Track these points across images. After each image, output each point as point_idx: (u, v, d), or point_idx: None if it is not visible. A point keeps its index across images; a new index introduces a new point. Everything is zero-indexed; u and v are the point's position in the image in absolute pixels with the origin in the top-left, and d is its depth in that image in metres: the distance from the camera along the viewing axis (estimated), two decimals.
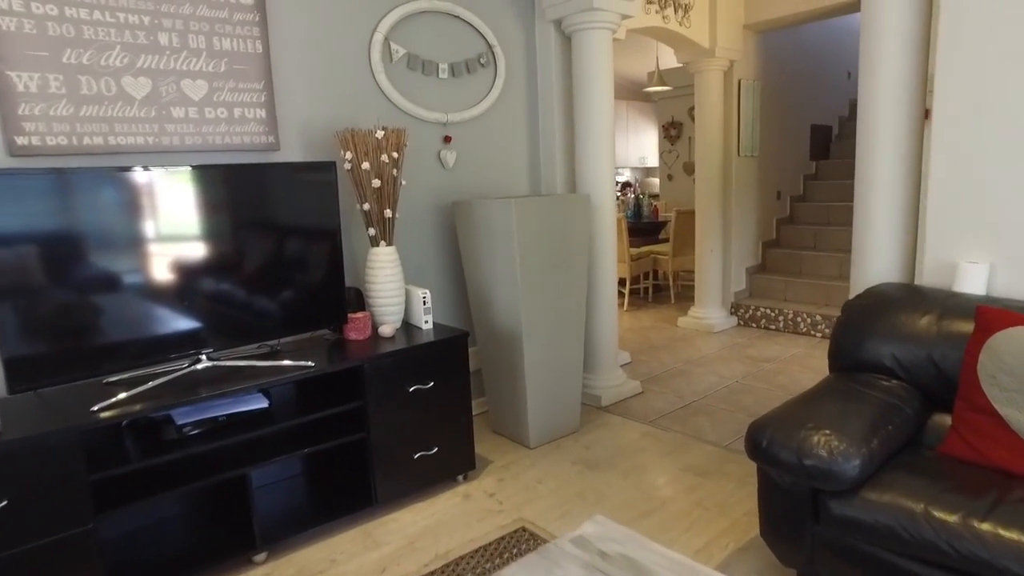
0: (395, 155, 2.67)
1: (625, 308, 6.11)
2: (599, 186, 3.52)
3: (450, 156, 3.29)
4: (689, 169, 7.75)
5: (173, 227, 2.11)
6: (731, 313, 5.41)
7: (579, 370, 3.25)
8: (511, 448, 3.13)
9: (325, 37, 2.81)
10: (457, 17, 3.27)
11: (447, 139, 3.28)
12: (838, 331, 2.32)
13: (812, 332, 4.95)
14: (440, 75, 3.23)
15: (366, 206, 2.66)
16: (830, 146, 6.35)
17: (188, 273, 2.15)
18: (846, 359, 2.26)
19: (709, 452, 3.01)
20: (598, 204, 3.50)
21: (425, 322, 2.78)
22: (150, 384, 2.07)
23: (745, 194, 5.37)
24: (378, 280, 2.70)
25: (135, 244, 2.03)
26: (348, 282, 2.91)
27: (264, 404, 2.29)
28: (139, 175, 2.03)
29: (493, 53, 3.43)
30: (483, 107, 3.40)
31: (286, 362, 2.30)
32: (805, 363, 4.28)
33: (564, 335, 3.14)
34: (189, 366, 2.21)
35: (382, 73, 2.98)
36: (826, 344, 4.68)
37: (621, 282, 6.44)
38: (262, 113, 2.58)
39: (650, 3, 4.29)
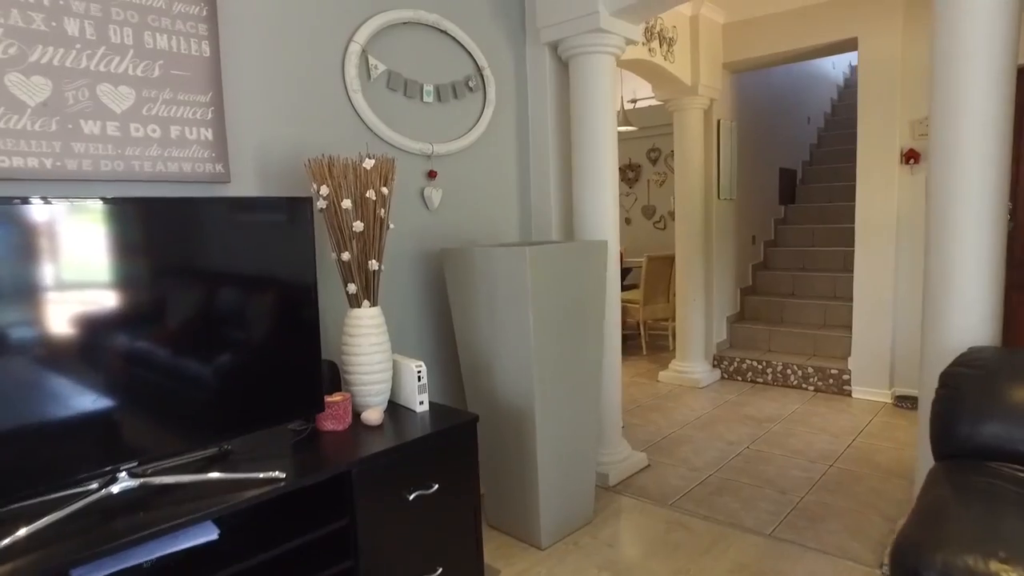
0: (384, 191, 2.10)
1: None
2: (603, 232, 3.06)
3: (435, 195, 2.74)
4: (648, 213, 7.50)
5: (76, 285, 1.45)
6: (714, 366, 5.04)
7: (594, 447, 2.72)
8: (518, 550, 2.53)
9: (292, 41, 2.24)
10: (444, 32, 2.78)
11: (432, 174, 2.74)
12: (944, 410, 1.90)
13: (804, 385, 4.63)
14: (424, 98, 2.71)
15: (345, 256, 2.06)
16: (795, 190, 6.23)
17: (102, 353, 1.48)
18: (960, 444, 1.84)
19: (755, 545, 2.52)
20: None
21: (420, 403, 2.18)
22: (36, 525, 1.37)
23: (724, 239, 5.08)
24: (361, 351, 2.09)
25: (20, 311, 1.36)
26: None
27: (213, 535, 1.62)
28: (27, 211, 1.37)
29: (482, 76, 2.95)
30: (471, 138, 2.89)
31: (243, 475, 1.64)
32: (810, 423, 3.91)
33: (579, 406, 2.61)
34: (101, 488, 1.52)
35: (359, 92, 2.43)
36: (823, 399, 4.37)
37: None
38: (207, 134, 1.96)
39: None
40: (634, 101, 7.71)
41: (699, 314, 4.87)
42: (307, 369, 1.89)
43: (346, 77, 2.40)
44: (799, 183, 6.32)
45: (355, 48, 2.41)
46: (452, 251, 2.53)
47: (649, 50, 4.07)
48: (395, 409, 2.21)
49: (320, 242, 2.24)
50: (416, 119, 2.69)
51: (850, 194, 5.89)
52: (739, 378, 4.95)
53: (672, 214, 7.22)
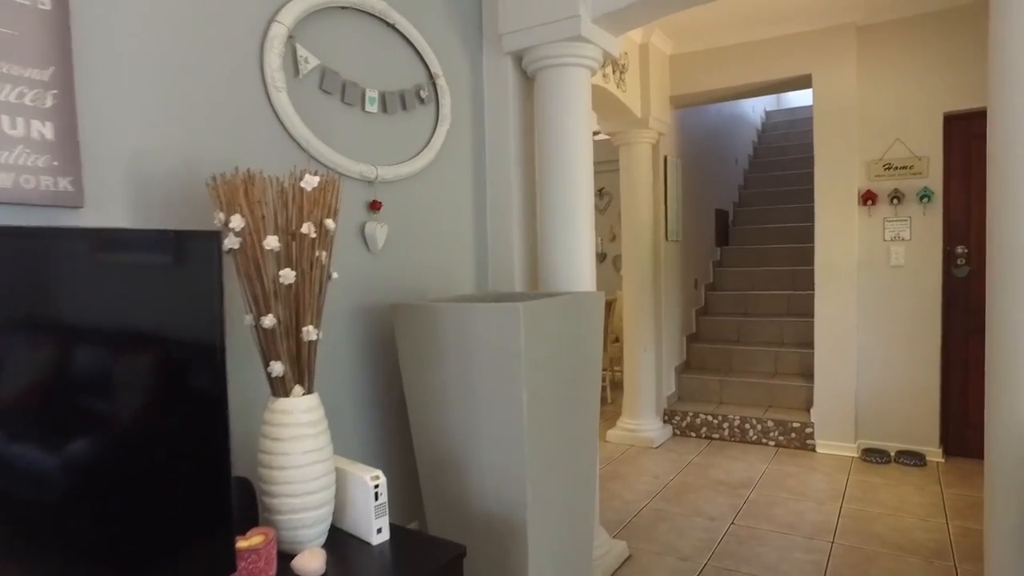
0: (329, 224, 1.45)
1: None
2: (578, 281, 2.53)
3: (379, 232, 2.10)
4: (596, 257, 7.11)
5: None
6: (665, 421, 4.61)
7: (589, 551, 2.12)
8: None
9: (189, 3, 1.56)
10: (392, 27, 2.18)
11: (375, 205, 2.10)
12: None
13: (764, 440, 4.28)
14: (367, 106, 2.09)
15: (267, 320, 1.38)
16: (728, 232, 6.06)
17: None
18: None
19: None
20: None
21: (378, 530, 1.50)
22: None
23: (672, 283, 4.73)
24: (291, 461, 1.40)
25: None
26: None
27: None
28: None
29: (436, 86, 2.37)
30: (423, 161, 2.29)
31: None
32: (787, 486, 3.53)
33: (578, 503, 2.02)
34: None
35: (282, 90, 1.77)
36: (788, 456, 4.03)
37: None
38: (45, 130, 1.25)
39: None
40: None
41: (649, 366, 4.44)
42: (207, 495, 1.18)
43: (265, 68, 1.74)
44: (731, 224, 6.17)
45: (279, 31, 1.76)
46: (409, 308, 1.89)
47: (603, 75, 3.67)
48: (340, 541, 1.51)
49: (229, 298, 1.54)
50: (356, 132, 2.06)
51: (786, 236, 5.78)
52: (692, 434, 4.54)
53: (599, 255, 6.89)
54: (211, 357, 1.19)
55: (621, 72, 3.89)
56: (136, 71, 1.46)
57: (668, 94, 4.48)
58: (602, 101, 3.90)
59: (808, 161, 6.41)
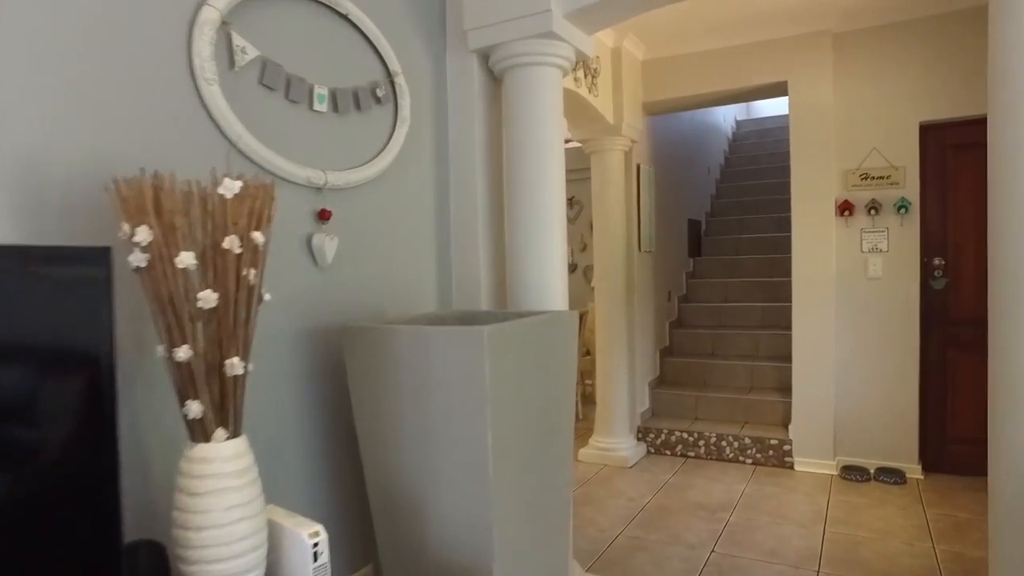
0: (257, 238, 1.23)
1: None
2: (549, 298, 2.35)
3: (329, 245, 1.88)
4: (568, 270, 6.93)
5: None
6: (639, 439, 4.44)
7: None
8: None
9: None
10: (344, 18, 1.98)
11: (324, 215, 1.89)
12: None
13: (741, 458, 4.14)
14: (315, 105, 1.87)
15: (182, 352, 1.16)
16: (701, 242, 5.96)
17: None
18: None
19: None
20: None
21: None
22: None
23: (645, 295, 4.58)
24: (212, 520, 1.17)
25: None
26: (130, 529, 1.30)
27: None
28: None
29: (394, 85, 2.17)
30: (379, 165, 2.08)
31: None
32: (767, 508, 3.38)
33: (549, 547, 1.82)
34: None
35: (214, 83, 1.55)
36: (766, 474, 3.89)
37: None
38: None
39: None
40: None
41: (622, 381, 4.28)
42: (88, 571, 0.95)
43: (194, 57, 1.51)
44: (704, 235, 6.07)
45: (210, 15, 1.54)
46: (360, 331, 1.68)
47: (575, 79, 3.51)
48: None
49: (133, 323, 1.31)
50: (303, 133, 1.84)
51: (759, 246, 5.70)
52: (667, 452, 4.38)
53: (570, 266, 6.72)
54: (95, 396, 0.96)
55: (593, 76, 3.74)
56: (31, 54, 1.22)
57: (641, 100, 4.35)
58: (573, 106, 3.74)
59: (780, 171, 6.37)
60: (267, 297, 1.31)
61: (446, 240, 2.45)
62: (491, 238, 2.47)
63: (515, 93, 2.34)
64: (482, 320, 2.00)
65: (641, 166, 4.41)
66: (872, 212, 3.71)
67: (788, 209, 5.93)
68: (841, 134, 3.80)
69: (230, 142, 1.62)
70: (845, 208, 3.77)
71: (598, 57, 3.83)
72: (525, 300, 2.34)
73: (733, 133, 7.41)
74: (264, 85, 1.72)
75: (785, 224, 5.70)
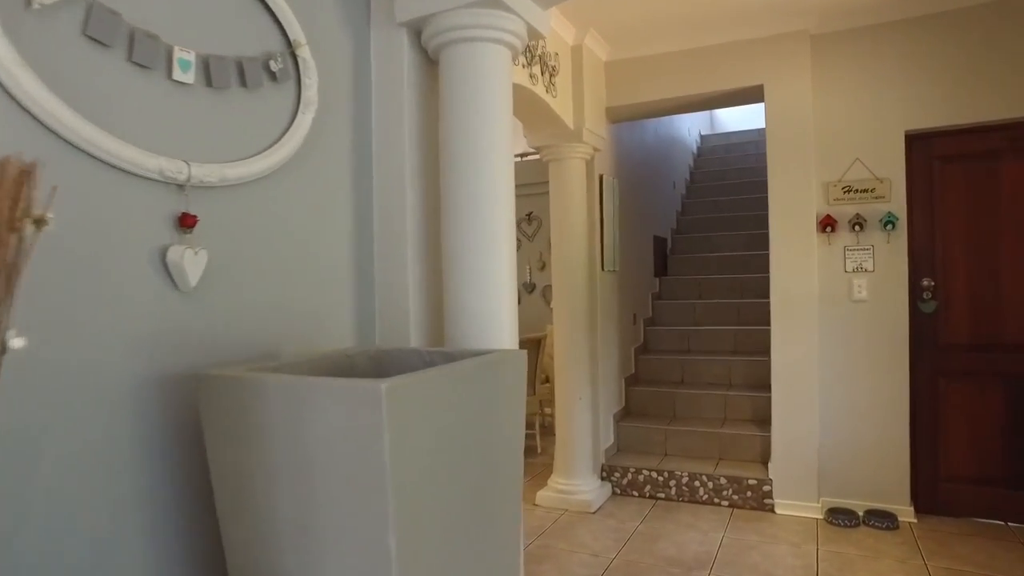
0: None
1: None
2: (497, 331, 1.90)
3: (192, 261, 1.40)
4: (526, 290, 6.49)
5: None
6: (603, 478, 4.00)
7: None
8: None
9: None
10: None
11: (187, 221, 1.40)
12: None
13: (717, 500, 3.73)
14: (176, 73, 1.40)
15: None
16: (667, 261, 5.60)
17: None
18: None
19: None
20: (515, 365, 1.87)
21: None
22: None
23: (608, 319, 4.16)
24: None
25: None
26: None
27: None
28: None
29: (296, 59, 1.71)
30: (273, 160, 1.61)
31: None
32: (753, 565, 2.96)
33: None
34: None
35: None
36: (745, 518, 3.48)
37: None
38: None
39: (520, 53, 2.97)
40: None
41: (584, 414, 3.83)
42: None
43: None
44: (670, 253, 5.72)
45: None
46: (215, 381, 1.19)
47: (531, 75, 3.10)
48: None
49: None
50: (155, 110, 1.36)
51: (729, 266, 5.37)
52: (635, 493, 3.94)
53: (527, 286, 6.31)
54: None
55: (551, 74, 3.34)
56: None
57: (604, 105, 3.97)
58: (529, 106, 3.33)
59: (749, 186, 6.09)
60: (16, 344, 0.82)
61: (368, 257, 1.98)
62: (425, 255, 2.01)
63: (454, 76, 1.91)
64: (402, 362, 1.53)
65: (604, 177, 4.02)
66: (856, 228, 3.38)
67: (759, 226, 5.65)
68: (822, 143, 3.48)
69: (32, 116, 1.13)
70: (827, 224, 3.43)
71: (557, 54, 3.44)
72: (466, 332, 1.88)
73: (698, 147, 7.14)
74: (91, 38, 1.24)
75: (756, 242, 5.40)
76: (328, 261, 1.83)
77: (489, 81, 1.90)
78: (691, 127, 6.81)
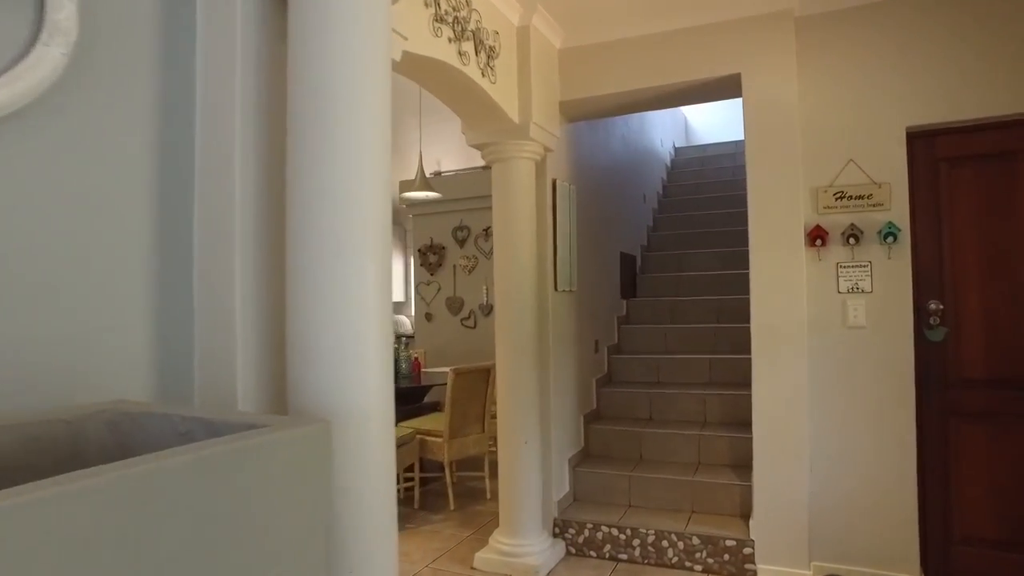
0: None
1: None
2: (358, 384, 1.30)
3: None
4: (455, 307, 5.91)
5: None
6: (555, 535, 3.38)
7: None
8: None
9: None
10: None
11: None
12: None
13: (689, 564, 3.13)
14: None
15: None
16: (636, 281, 5.05)
17: None
18: None
19: None
20: (364, 437, 1.29)
21: None
22: None
23: (564, 346, 3.58)
24: None
25: None
26: None
27: None
28: None
29: None
30: None
31: None
32: None
33: None
34: None
35: None
36: None
37: None
38: None
39: (439, 21, 2.41)
40: (438, 173, 6.28)
41: (533, 461, 3.23)
42: None
43: None
44: (639, 272, 5.17)
45: None
46: None
47: (460, 52, 2.54)
48: None
49: None
50: None
51: (704, 287, 4.84)
52: (592, 553, 3.33)
53: (484, 308, 5.72)
54: None
55: (489, 56, 2.79)
56: None
57: (557, 99, 3.43)
58: (460, 93, 2.77)
59: (726, 200, 5.60)
60: None
61: (182, 266, 1.38)
62: (265, 266, 1.41)
63: (308, 16, 1.33)
64: (148, 434, 0.93)
65: (558, 182, 3.46)
66: (851, 241, 2.85)
67: (738, 242, 5.15)
68: (810, 142, 2.96)
69: None
70: (817, 236, 2.90)
71: (498, 33, 2.89)
72: (313, 376, 1.28)
73: (672, 160, 6.66)
74: None
75: (733, 260, 4.88)
76: (107, 267, 1.23)
77: (353, 18, 1.33)
78: (664, 138, 6.33)
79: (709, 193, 5.99)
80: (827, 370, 2.91)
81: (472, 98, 2.83)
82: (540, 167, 3.32)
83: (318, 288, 1.30)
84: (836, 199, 2.90)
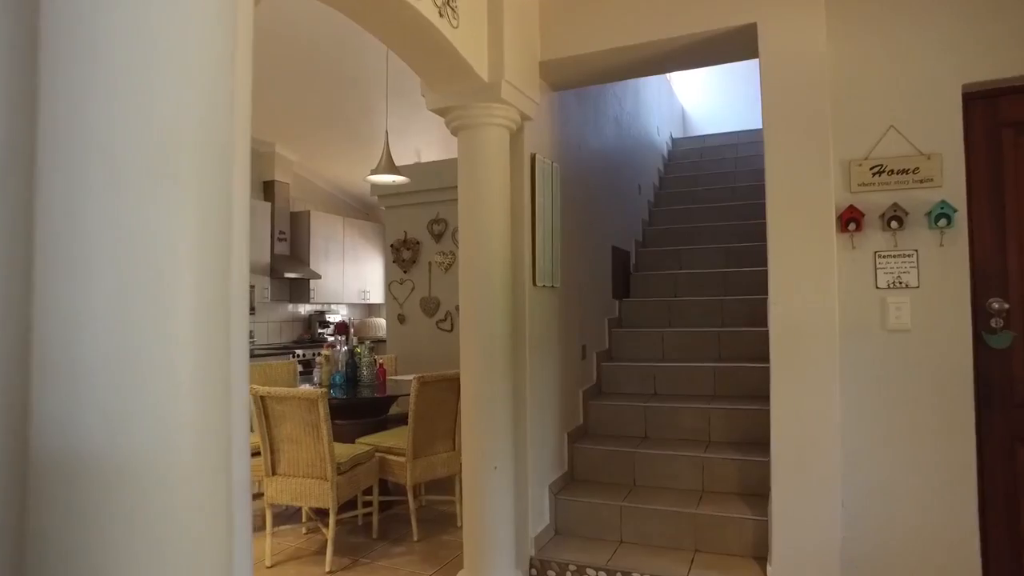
0: None
1: (328, 569, 3.11)
2: (158, 397, 0.74)
3: None
4: (430, 308, 5.36)
5: None
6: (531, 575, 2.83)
7: None
8: None
9: None
10: None
11: None
12: None
13: None
14: None
15: None
16: (630, 279, 4.51)
17: None
18: None
19: None
20: (166, 512, 0.72)
21: None
22: None
23: (544, 352, 3.04)
24: None
25: None
26: None
27: None
28: None
29: None
30: None
31: None
32: None
33: None
34: None
35: None
36: None
37: (319, 514, 3.50)
38: None
39: None
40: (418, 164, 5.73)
41: (504, 488, 2.68)
42: None
43: None
44: (633, 270, 4.64)
45: None
46: None
47: None
48: None
49: None
50: None
51: (701, 286, 4.30)
52: None
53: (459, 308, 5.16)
54: None
55: None
56: None
57: (537, 58, 2.89)
58: (412, 36, 2.23)
59: (729, 192, 5.08)
60: None
61: None
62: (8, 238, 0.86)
63: None
64: None
65: (538, 157, 2.92)
66: (893, 225, 2.32)
67: (741, 238, 4.63)
68: (841, 106, 2.43)
69: None
70: (850, 219, 2.37)
71: None
72: (68, 401, 0.73)
73: (669, 151, 6.14)
74: None
75: (737, 257, 4.35)
76: None
77: None
78: (660, 126, 5.81)
79: (709, 185, 5.47)
80: (863, 383, 2.37)
81: (428, 45, 2.29)
82: (517, 139, 2.79)
83: (80, 248, 0.75)
84: (874, 174, 2.37)
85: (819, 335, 2.38)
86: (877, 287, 2.36)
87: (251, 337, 6.63)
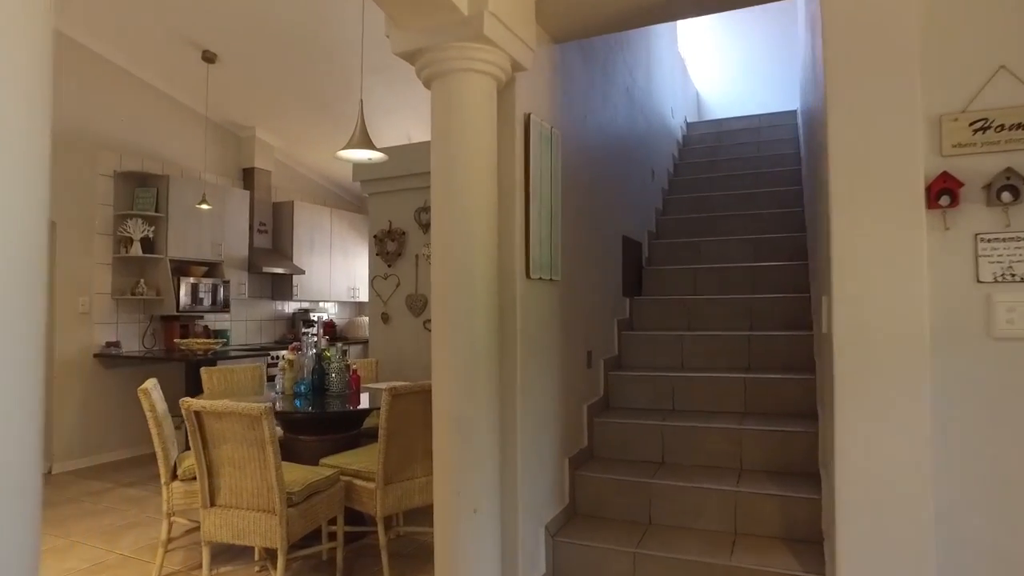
0: None
1: None
2: None
3: None
4: (417, 307, 4.79)
5: None
6: None
7: None
8: None
9: None
10: None
11: None
12: None
13: None
14: None
15: None
16: (642, 274, 3.93)
17: None
18: None
19: None
20: None
21: None
22: None
23: (541, 359, 2.46)
24: None
25: None
26: None
27: None
28: None
29: None
30: None
31: None
32: None
33: None
34: None
35: None
36: None
37: (272, 552, 2.94)
38: None
39: None
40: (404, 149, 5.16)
41: (487, 533, 2.11)
42: None
43: None
44: (646, 264, 4.06)
45: None
46: None
47: None
48: None
49: None
50: None
51: (725, 282, 3.72)
52: None
53: None
54: None
55: None
56: None
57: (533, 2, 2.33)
58: None
59: (751, 180, 4.50)
60: None
61: None
62: None
63: None
64: None
65: (533, 117, 2.35)
66: (1003, 198, 1.74)
67: (771, 228, 4.06)
68: (931, 41, 1.85)
69: None
70: (942, 190, 1.79)
71: None
72: None
73: (683, 136, 5.56)
74: None
75: (767, 249, 3.77)
76: None
77: None
78: (675, 108, 5.22)
79: (730, 171, 4.89)
80: (962, 409, 1.78)
81: None
82: (506, 93, 2.22)
83: None
84: (975, 131, 1.79)
85: (901, 344, 1.80)
86: (979, 281, 1.78)
87: (224, 336, 6.06)
